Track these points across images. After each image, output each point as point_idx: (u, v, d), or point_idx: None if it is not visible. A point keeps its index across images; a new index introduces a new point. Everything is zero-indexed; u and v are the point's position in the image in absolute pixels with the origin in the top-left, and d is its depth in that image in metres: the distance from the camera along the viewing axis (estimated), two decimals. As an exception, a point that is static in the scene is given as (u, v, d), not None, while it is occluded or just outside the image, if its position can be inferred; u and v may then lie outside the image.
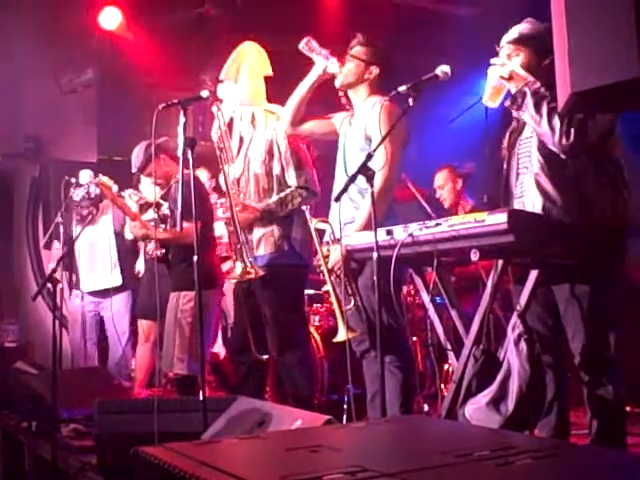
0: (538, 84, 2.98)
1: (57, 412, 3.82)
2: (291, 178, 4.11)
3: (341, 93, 3.89)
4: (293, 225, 4.15)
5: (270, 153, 4.15)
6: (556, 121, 2.86)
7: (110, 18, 6.57)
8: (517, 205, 3.11)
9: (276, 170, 4.15)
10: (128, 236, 5.67)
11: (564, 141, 2.85)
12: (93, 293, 6.01)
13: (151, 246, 4.94)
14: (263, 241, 4.13)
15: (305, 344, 4.30)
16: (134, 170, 4.86)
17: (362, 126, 3.70)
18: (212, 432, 2.92)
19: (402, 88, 3.15)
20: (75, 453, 3.71)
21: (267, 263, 4.06)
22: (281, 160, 4.13)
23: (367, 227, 3.34)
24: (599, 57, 2.08)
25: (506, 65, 3.04)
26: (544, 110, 2.90)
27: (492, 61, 3.09)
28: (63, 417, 4.00)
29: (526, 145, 3.12)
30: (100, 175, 5.04)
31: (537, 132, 2.98)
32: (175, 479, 1.63)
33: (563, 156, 2.91)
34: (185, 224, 4.19)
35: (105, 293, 5.99)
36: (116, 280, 6.00)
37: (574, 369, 3.04)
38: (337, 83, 3.82)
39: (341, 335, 3.53)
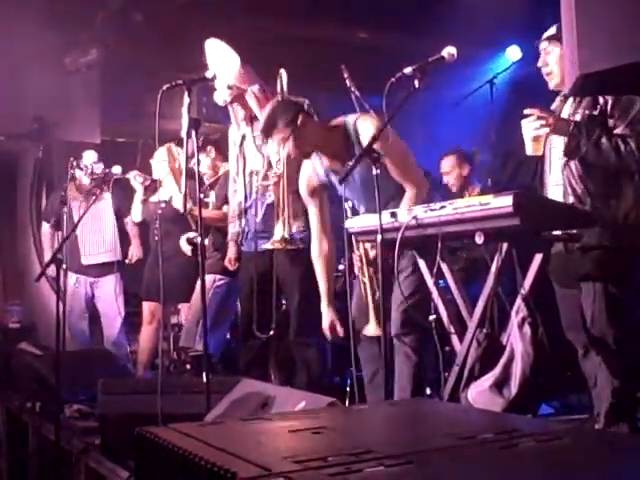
0: (582, 124, 2.95)
1: (60, 393, 3.83)
2: None
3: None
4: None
5: None
6: (623, 151, 2.87)
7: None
8: (552, 193, 3.11)
9: None
10: (136, 218, 5.68)
11: (633, 167, 2.87)
12: (90, 270, 6.02)
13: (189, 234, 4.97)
14: (298, 216, 4.08)
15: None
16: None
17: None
18: (215, 414, 2.92)
19: (408, 70, 3.12)
20: (79, 434, 3.73)
21: (301, 238, 4.02)
22: None
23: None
24: (609, 38, 2.06)
25: (544, 118, 2.97)
26: (607, 146, 2.90)
27: (527, 111, 3.02)
28: (66, 398, 4.02)
29: (558, 139, 3.10)
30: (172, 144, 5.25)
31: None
32: (178, 459, 1.63)
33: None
34: (226, 209, 4.73)
35: (102, 270, 6.00)
36: (117, 255, 6.03)
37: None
38: (326, 161, 3.62)
39: (371, 329, 3.50)
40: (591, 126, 2.95)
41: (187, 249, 5.02)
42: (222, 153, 5.17)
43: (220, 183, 5.03)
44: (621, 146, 2.89)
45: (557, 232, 2.96)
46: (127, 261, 6.11)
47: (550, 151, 3.16)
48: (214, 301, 4.75)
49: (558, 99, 3.20)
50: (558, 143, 3.09)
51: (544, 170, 3.20)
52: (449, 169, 5.56)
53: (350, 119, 3.54)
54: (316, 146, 3.59)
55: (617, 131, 2.94)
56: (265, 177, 4.16)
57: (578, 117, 3.02)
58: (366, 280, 3.56)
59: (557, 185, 3.12)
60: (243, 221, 4.35)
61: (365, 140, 3.31)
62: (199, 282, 4.71)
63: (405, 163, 3.49)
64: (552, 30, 3.17)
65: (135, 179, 5.42)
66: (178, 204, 4.78)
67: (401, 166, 3.45)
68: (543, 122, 2.94)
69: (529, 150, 3.05)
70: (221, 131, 5.45)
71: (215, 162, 5.26)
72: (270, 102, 3.78)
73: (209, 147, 5.22)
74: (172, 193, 5.17)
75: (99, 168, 5.65)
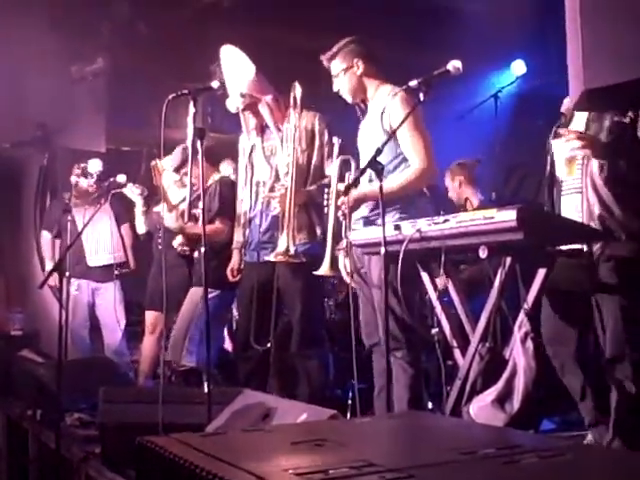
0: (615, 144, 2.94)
1: (61, 401, 3.82)
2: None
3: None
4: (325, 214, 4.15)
5: (311, 143, 4.13)
6: None
7: (122, 8, 6.56)
8: (565, 202, 3.09)
9: (315, 160, 4.12)
10: (140, 230, 5.69)
11: None
12: (93, 273, 6.03)
13: (178, 240, 4.95)
14: (302, 229, 4.08)
15: (325, 339, 4.32)
16: (171, 169, 5.03)
17: (378, 121, 3.63)
18: (216, 424, 2.92)
19: (413, 83, 3.13)
20: (79, 442, 3.72)
21: (303, 252, 3.98)
22: (322, 150, 4.11)
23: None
24: (613, 55, 2.07)
25: (583, 140, 2.92)
26: None
27: (562, 131, 3.00)
28: (67, 406, 4.02)
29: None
30: (157, 160, 5.10)
31: None
32: (179, 470, 1.63)
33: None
34: (217, 223, 4.67)
35: (104, 274, 6.03)
36: (120, 258, 6.04)
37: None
38: (350, 101, 3.83)
39: (324, 269, 3.59)
40: (623, 139, 2.91)
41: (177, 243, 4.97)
42: (212, 163, 5.11)
43: (210, 192, 4.94)
44: None
45: (561, 247, 2.96)
46: (120, 270, 6.13)
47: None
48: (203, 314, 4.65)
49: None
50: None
51: (555, 178, 3.17)
52: (448, 182, 5.56)
53: (392, 92, 3.61)
54: (355, 97, 3.77)
55: None
56: (272, 189, 4.16)
57: (607, 123, 2.97)
58: (330, 219, 3.63)
59: (572, 193, 3.10)
60: (247, 231, 4.35)
61: (392, 115, 3.50)
62: (189, 294, 4.73)
63: (422, 140, 3.54)
64: None
65: (132, 191, 5.41)
66: (168, 222, 4.73)
67: (417, 141, 3.51)
68: (583, 143, 2.89)
69: (562, 172, 3.01)
70: (223, 141, 5.44)
71: (207, 173, 5.12)
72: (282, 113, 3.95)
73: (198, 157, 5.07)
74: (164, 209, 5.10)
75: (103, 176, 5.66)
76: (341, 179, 3.67)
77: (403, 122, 3.23)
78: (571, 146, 2.90)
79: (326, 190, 3.86)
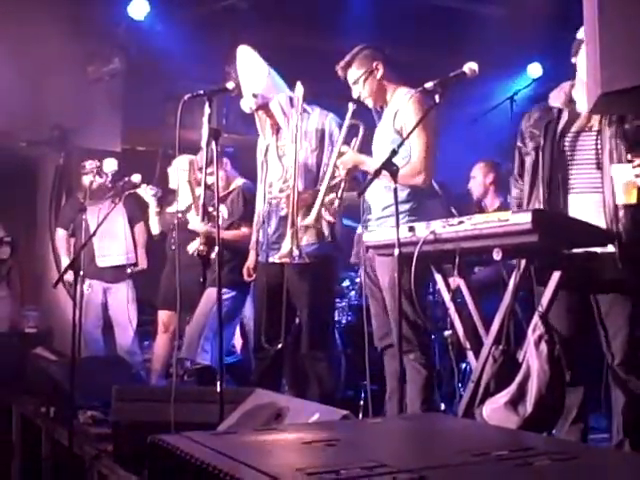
0: None
1: (75, 399, 3.84)
2: None
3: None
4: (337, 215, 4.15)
5: (321, 143, 4.14)
6: None
7: (138, 8, 6.60)
8: (573, 199, 3.08)
9: (326, 160, 4.11)
10: (154, 230, 5.72)
11: None
12: (105, 273, 6.05)
13: (194, 246, 4.98)
14: (308, 230, 4.08)
15: (334, 340, 4.31)
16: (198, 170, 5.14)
17: (391, 120, 3.70)
18: (228, 423, 2.92)
19: (429, 84, 3.13)
20: (92, 440, 3.73)
21: (309, 253, 3.96)
22: (332, 149, 4.10)
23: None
24: (631, 58, 2.06)
25: None
26: None
27: (630, 157, 2.95)
28: (80, 404, 4.03)
29: (589, 138, 3.07)
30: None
31: None
32: (191, 468, 1.63)
33: None
34: (243, 228, 4.79)
35: (116, 274, 6.06)
36: (131, 259, 6.07)
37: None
38: (370, 105, 3.86)
39: (309, 219, 3.71)
40: None
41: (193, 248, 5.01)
42: (237, 167, 5.18)
43: (232, 197, 5.00)
44: None
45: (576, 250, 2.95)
46: (133, 270, 6.17)
47: (566, 155, 3.13)
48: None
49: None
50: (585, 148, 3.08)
51: (554, 173, 3.15)
52: (475, 174, 5.56)
53: (407, 93, 3.66)
54: (377, 100, 3.83)
55: None
56: (281, 189, 4.16)
57: (627, 126, 2.97)
58: (326, 179, 3.73)
59: (586, 192, 3.09)
60: (261, 231, 4.36)
61: (405, 116, 3.59)
62: (205, 294, 4.76)
63: (426, 141, 3.59)
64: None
65: (146, 192, 5.46)
66: (195, 224, 4.73)
67: (420, 141, 3.56)
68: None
69: (620, 199, 2.96)
70: (240, 142, 5.46)
71: (228, 175, 5.22)
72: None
73: (225, 160, 5.19)
74: (188, 204, 5.16)
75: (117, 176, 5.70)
76: (347, 143, 3.75)
77: (417, 125, 3.23)
78: (636, 172, 2.87)
79: (329, 148, 3.98)
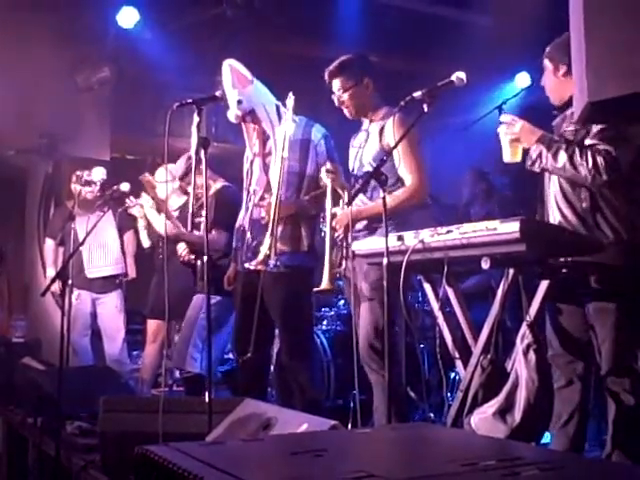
0: (549, 136, 3.00)
1: (62, 409, 3.81)
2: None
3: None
4: (317, 226, 4.15)
5: (306, 153, 4.13)
6: (577, 161, 2.88)
7: (128, 17, 6.60)
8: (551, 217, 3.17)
9: (310, 170, 4.12)
10: (145, 244, 5.72)
11: (598, 180, 2.87)
12: (94, 284, 6.03)
13: (182, 249, 4.99)
14: (286, 239, 4.06)
15: (313, 349, 4.30)
16: (173, 178, 5.16)
17: (376, 138, 3.74)
18: (217, 434, 2.91)
19: (417, 94, 3.14)
20: (79, 450, 3.70)
21: (285, 262, 3.93)
22: (317, 160, 4.11)
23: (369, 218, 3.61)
24: (618, 67, 2.07)
25: (512, 126, 3.08)
26: (563, 158, 2.91)
27: (501, 119, 3.14)
28: (68, 414, 4.01)
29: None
30: (147, 174, 5.15)
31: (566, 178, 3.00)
32: (178, 479, 1.62)
33: (595, 190, 2.95)
34: (214, 232, 4.67)
35: (105, 285, 6.03)
36: (121, 269, 6.05)
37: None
38: (352, 117, 3.90)
39: (324, 284, 3.64)
40: (564, 139, 3.00)
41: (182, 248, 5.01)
42: (214, 172, 5.15)
43: (209, 203, 4.94)
44: (576, 157, 2.91)
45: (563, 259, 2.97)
46: (121, 280, 6.15)
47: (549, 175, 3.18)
48: (205, 321, 4.71)
49: (559, 117, 3.22)
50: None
51: (544, 191, 3.22)
52: (464, 182, 5.60)
53: (391, 112, 3.68)
54: (359, 112, 3.87)
55: (586, 142, 2.96)
56: (262, 197, 4.15)
57: (570, 128, 3.06)
58: (327, 240, 3.71)
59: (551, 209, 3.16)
60: (241, 239, 4.33)
61: (388, 135, 3.65)
62: (193, 300, 4.77)
63: (415, 161, 3.64)
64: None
65: (138, 211, 5.49)
66: (167, 229, 4.71)
67: (410, 162, 3.61)
68: (511, 129, 3.06)
69: (506, 157, 3.13)
70: (229, 151, 5.46)
71: (208, 182, 5.18)
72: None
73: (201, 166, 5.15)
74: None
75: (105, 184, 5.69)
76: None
77: (399, 142, 3.28)
78: (504, 131, 3.10)
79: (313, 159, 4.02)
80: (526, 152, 3.10)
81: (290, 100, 3.98)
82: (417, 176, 3.63)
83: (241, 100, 4.07)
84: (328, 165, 3.75)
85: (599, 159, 2.86)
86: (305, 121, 4.18)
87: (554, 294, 3.02)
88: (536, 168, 3.06)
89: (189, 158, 4.84)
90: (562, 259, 2.98)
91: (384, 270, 2.96)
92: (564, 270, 2.97)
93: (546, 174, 3.19)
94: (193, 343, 4.67)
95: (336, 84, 3.85)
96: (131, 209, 5.56)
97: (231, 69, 4.12)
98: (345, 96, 3.83)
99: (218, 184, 5.09)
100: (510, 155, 3.12)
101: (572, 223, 3.04)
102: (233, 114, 4.14)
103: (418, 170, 3.64)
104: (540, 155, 2.99)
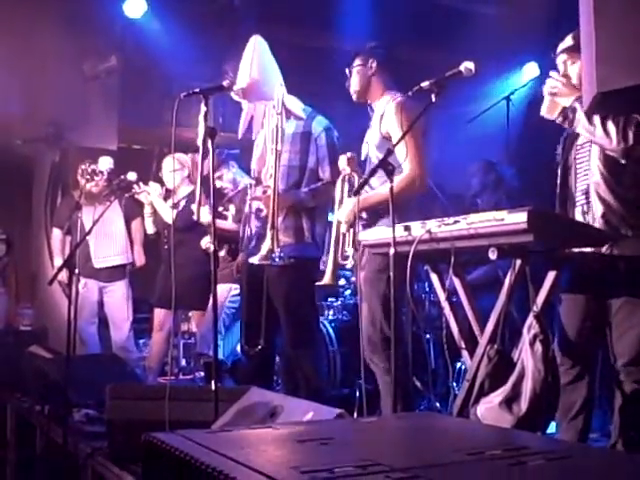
0: None
1: (69, 397, 3.83)
2: (326, 172, 4.10)
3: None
4: (317, 218, 4.15)
5: (306, 145, 4.13)
6: (610, 126, 2.85)
7: (135, 6, 6.59)
8: (578, 212, 3.12)
9: (310, 163, 4.12)
10: (149, 230, 5.77)
11: (622, 145, 2.85)
12: (101, 274, 6.05)
13: (206, 240, 5.09)
14: (288, 231, 4.08)
15: (317, 338, 4.31)
16: (182, 167, 5.62)
17: (377, 124, 3.73)
18: (223, 422, 2.91)
19: (425, 84, 3.13)
20: (86, 438, 3.72)
21: (289, 254, 3.95)
22: (317, 153, 4.10)
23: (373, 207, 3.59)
24: (627, 57, 2.06)
25: (556, 80, 3.04)
26: (597, 120, 2.88)
27: (550, 74, 3.10)
28: (75, 402, 4.03)
29: (584, 151, 3.11)
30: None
31: (594, 141, 2.97)
32: (185, 466, 1.63)
33: (622, 160, 2.91)
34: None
35: (112, 274, 6.05)
36: (128, 258, 6.07)
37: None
38: (354, 98, 3.91)
39: (325, 279, 3.70)
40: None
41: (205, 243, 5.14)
42: (244, 167, 5.26)
43: (241, 197, 5.06)
44: (608, 121, 2.86)
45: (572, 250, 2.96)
46: (130, 268, 6.17)
47: (575, 160, 3.15)
48: (229, 309, 4.90)
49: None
50: (581, 160, 3.09)
51: (566, 187, 3.18)
52: (473, 172, 5.58)
53: (391, 98, 3.71)
54: (360, 94, 3.89)
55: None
56: (264, 191, 4.15)
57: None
58: (333, 232, 3.77)
59: (582, 204, 3.12)
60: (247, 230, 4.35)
61: (387, 121, 3.65)
62: (220, 292, 4.86)
63: (416, 149, 3.61)
64: (569, 41, 3.16)
65: (146, 197, 5.57)
66: (204, 216, 4.74)
67: (410, 149, 3.57)
68: (553, 83, 3.03)
69: (543, 110, 3.10)
70: (236, 141, 5.47)
71: (236, 176, 5.37)
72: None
73: (231, 162, 5.34)
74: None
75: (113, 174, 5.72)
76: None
77: (407, 132, 3.25)
78: (549, 84, 3.06)
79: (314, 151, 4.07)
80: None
81: (280, 90, 3.97)
82: (416, 164, 3.60)
83: (255, 77, 4.05)
84: (349, 154, 3.75)
85: (631, 128, 2.84)
86: (309, 112, 4.17)
87: (569, 286, 3.02)
88: (566, 124, 3.01)
89: (219, 153, 5.01)
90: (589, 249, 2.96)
91: (390, 260, 2.95)
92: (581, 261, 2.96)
93: (571, 171, 3.15)
94: (217, 330, 4.76)
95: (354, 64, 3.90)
96: (138, 195, 5.59)
97: (260, 49, 4.11)
98: (352, 75, 3.87)
99: (247, 179, 5.14)
100: (546, 109, 3.09)
101: (618, 212, 3.00)
102: (240, 86, 4.10)
103: (418, 158, 3.61)
104: (574, 111, 2.95)
